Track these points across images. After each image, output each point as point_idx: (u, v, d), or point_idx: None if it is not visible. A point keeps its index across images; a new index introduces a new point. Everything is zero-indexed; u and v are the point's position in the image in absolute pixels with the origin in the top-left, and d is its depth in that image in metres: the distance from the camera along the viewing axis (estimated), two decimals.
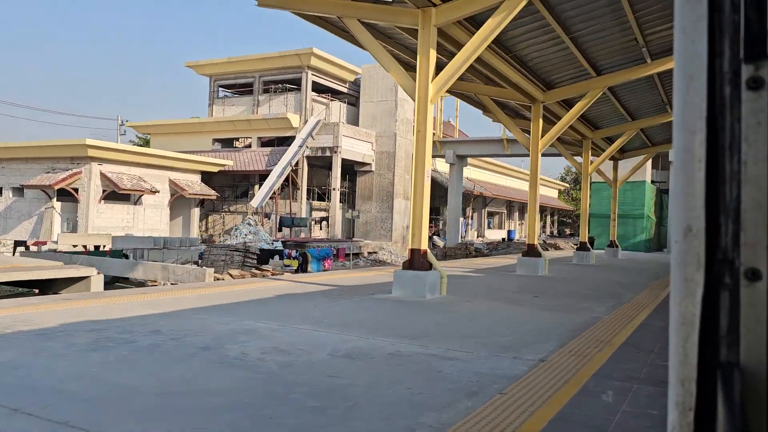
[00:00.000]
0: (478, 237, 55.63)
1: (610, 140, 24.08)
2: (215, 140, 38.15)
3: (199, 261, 23.46)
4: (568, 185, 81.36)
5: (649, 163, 31.72)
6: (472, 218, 54.87)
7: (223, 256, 23.44)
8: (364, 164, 37.16)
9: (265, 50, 36.18)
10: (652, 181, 33.95)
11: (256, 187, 34.79)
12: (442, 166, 48.11)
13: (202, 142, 37.97)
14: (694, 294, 0.86)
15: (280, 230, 32.14)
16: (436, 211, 47.08)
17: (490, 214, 62.13)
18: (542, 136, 14.92)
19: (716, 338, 0.85)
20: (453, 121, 51.49)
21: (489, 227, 61.42)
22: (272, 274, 18.97)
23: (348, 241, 33.01)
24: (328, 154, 34.27)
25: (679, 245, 0.88)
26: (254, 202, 30.32)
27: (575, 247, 24.62)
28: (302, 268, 22.46)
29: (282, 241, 29.41)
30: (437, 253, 38.98)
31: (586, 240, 22.92)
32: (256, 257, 23.80)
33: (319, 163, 36.78)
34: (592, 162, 23.04)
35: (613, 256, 24.05)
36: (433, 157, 40.61)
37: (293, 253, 24.33)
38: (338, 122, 34.65)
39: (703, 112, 0.86)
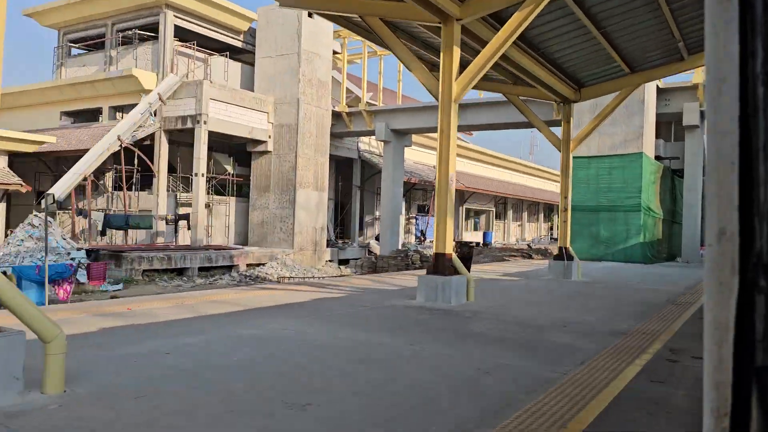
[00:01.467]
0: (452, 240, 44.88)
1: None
2: (64, 113, 28.41)
3: None
4: None
5: (651, 131, 20.74)
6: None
7: None
8: (257, 141, 26.99)
9: None
10: (658, 157, 22.91)
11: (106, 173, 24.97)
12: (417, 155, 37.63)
13: (49, 116, 28.27)
14: (728, 298, 0.86)
15: (103, 234, 22.13)
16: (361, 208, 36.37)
17: (476, 213, 51.32)
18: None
19: (752, 342, 0.85)
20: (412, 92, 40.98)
21: (476, 228, 50.62)
22: None
23: (204, 249, 22.83)
24: (189, 125, 24.18)
25: (713, 249, 0.89)
26: (55, 191, 20.37)
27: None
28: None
29: (89, 251, 19.45)
30: (361, 264, 28.60)
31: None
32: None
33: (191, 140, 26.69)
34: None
35: (562, 274, 13.24)
36: (359, 134, 30.15)
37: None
38: (202, 80, 24.49)
39: (735, 114, 0.86)
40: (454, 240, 9.06)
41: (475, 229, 50.73)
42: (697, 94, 21.83)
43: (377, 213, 37.67)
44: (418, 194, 41.48)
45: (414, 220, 42.26)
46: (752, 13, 0.85)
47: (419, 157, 39.76)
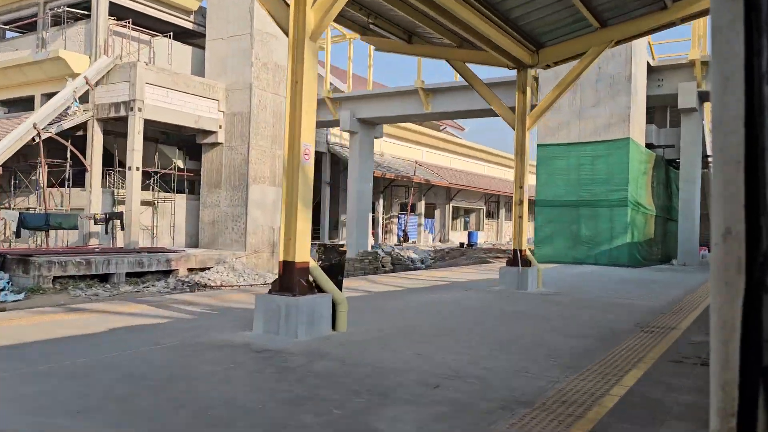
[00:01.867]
0: (438, 240, 42.15)
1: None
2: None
3: None
4: None
5: (641, 113, 18.00)
6: (425, 216, 41.38)
7: None
8: (207, 132, 24.33)
9: None
10: (650, 145, 20.10)
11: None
12: (397, 149, 34.94)
13: None
14: (734, 298, 0.86)
15: (18, 235, 19.49)
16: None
17: (466, 212, 48.51)
18: None
19: (758, 342, 0.84)
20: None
21: (465, 228, 47.78)
22: None
23: (136, 252, 20.19)
24: (123, 112, 21.52)
25: (719, 248, 0.88)
26: None
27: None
28: None
29: None
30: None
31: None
32: None
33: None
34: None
35: (516, 284, 10.34)
36: (323, 125, 27.41)
37: None
38: (136, 62, 21.80)
39: (740, 113, 0.85)
40: (318, 243, 6.28)
41: (465, 228, 47.90)
42: (694, 72, 19.05)
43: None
44: (400, 191, 38.73)
45: (396, 220, 39.55)
46: (757, 11, 0.85)
47: (398, 151, 37.02)
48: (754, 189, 0.84)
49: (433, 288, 10.74)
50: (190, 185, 25.67)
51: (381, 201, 35.10)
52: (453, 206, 44.36)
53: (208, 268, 22.02)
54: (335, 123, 26.66)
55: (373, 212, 35.17)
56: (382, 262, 26.17)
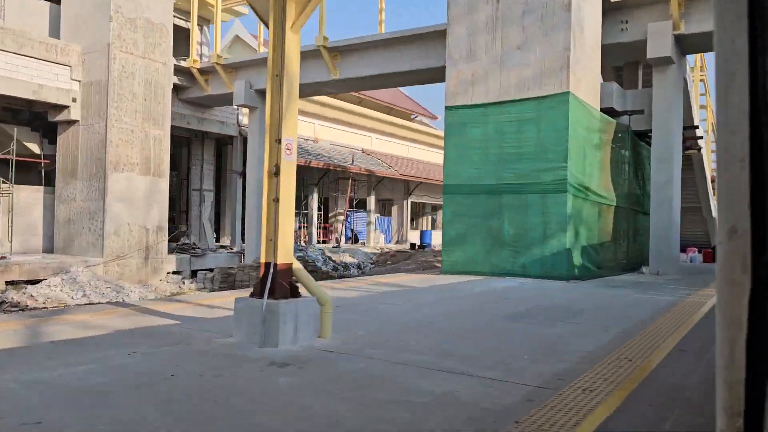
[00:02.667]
0: (395, 241, 36.89)
1: None
2: None
3: None
4: None
5: (590, 58, 12.78)
6: (382, 213, 36.12)
7: None
8: (58, 107, 19.16)
9: None
10: (610, 111, 14.74)
11: None
12: (348, 138, 29.65)
13: None
14: (740, 296, 0.85)
15: None
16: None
17: (434, 209, 43.18)
18: None
19: (765, 341, 0.84)
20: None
21: (433, 226, 42.45)
22: None
23: None
24: None
25: (723, 247, 0.88)
26: None
27: None
28: None
29: None
30: (212, 277, 20.58)
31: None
32: None
33: None
34: None
35: (259, 335, 5.10)
36: (219, 100, 22.04)
37: None
38: None
39: (745, 111, 0.85)
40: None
41: (433, 227, 42.62)
42: (669, 10, 13.77)
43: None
44: (351, 185, 33.46)
45: (344, 218, 34.31)
46: (762, 8, 0.84)
47: (339, 137, 31.78)
48: (759, 187, 0.84)
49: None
50: (48, 176, 20.50)
51: (315, 195, 29.86)
52: (413, 202, 39.08)
53: (41, 280, 16.85)
54: (230, 97, 21.38)
55: (306, 209, 29.94)
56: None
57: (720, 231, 0.89)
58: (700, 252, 22.08)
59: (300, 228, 29.44)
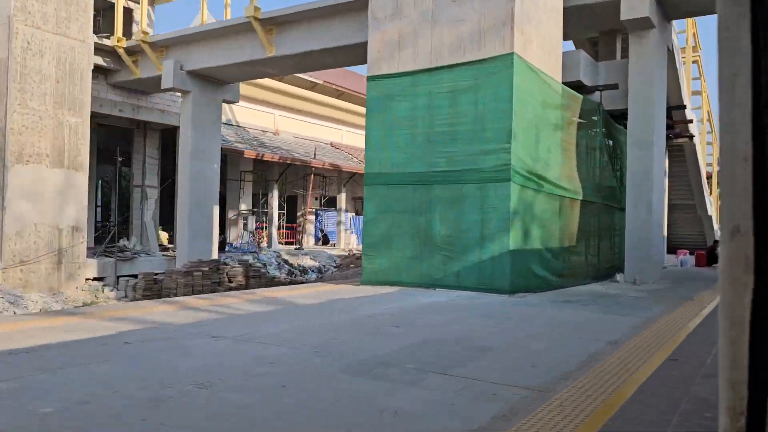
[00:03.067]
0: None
1: None
2: None
3: None
4: None
5: (546, 18, 10.14)
6: (356, 213, 33.60)
7: None
8: None
9: None
10: (576, 86, 12.18)
11: None
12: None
13: None
14: (743, 295, 0.85)
15: None
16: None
17: None
18: None
19: (767, 341, 0.84)
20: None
21: None
22: None
23: None
24: None
25: (726, 246, 0.88)
26: None
27: None
28: None
29: None
30: (133, 285, 18.10)
31: None
32: None
33: None
34: None
35: None
36: (149, 85, 19.50)
37: None
38: None
39: (748, 109, 0.85)
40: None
41: None
42: None
43: (242, 206, 27.23)
44: (320, 182, 30.95)
45: (314, 218, 31.86)
46: (764, 7, 0.84)
47: (303, 129, 29.30)
48: (762, 187, 0.84)
49: None
50: None
51: (275, 192, 27.35)
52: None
53: None
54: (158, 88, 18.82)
55: (265, 208, 27.46)
56: (229, 275, 18.47)
57: (723, 231, 0.88)
58: (692, 254, 19.52)
59: (257, 229, 26.93)
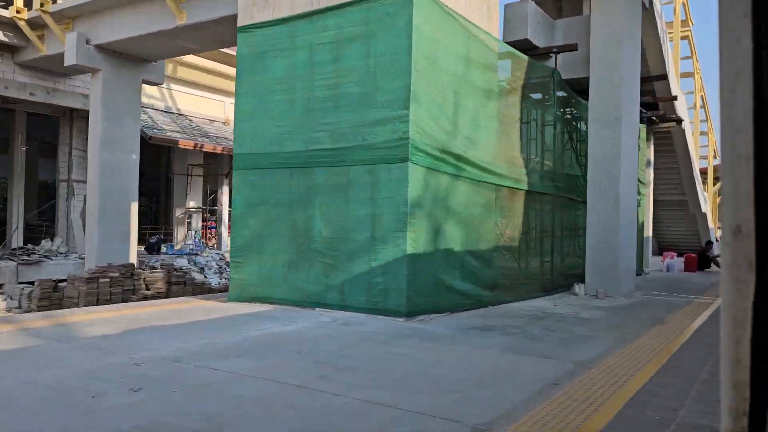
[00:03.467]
0: None
1: None
2: None
3: None
4: None
5: None
6: None
7: None
8: None
9: None
10: (527, 50, 9.64)
11: None
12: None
13: None
14: (745, 296, 0.85)
15: None
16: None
17: None
18: None
19: None
20: None
21: None
22: None
23: None
24: None
25: (729, 246, 0.88)
26: None
27: None
28: None
29: None
30: (29, 293, 15.59)
31: None
32: None
33: None
34: None
35: None
36: (53, 63, 16.92)
37: None
38: None
39: (749, 109, 0.85)
40: None
41: None
42: None
43: (191, 203, 24.71)
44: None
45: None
46: (766, 6, 0.84)
47: None
48: (764, 186, 0.84)
49: None
50: None
51: (225, 188, 24.84)
52: None
53: None
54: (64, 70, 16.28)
55: (214, 204, 24.96)
56: (146, 281, 15.95)
57: (724, 231, 0.88)
58: (681, 256, 16.96)
59: (205, 228, 24.42)
